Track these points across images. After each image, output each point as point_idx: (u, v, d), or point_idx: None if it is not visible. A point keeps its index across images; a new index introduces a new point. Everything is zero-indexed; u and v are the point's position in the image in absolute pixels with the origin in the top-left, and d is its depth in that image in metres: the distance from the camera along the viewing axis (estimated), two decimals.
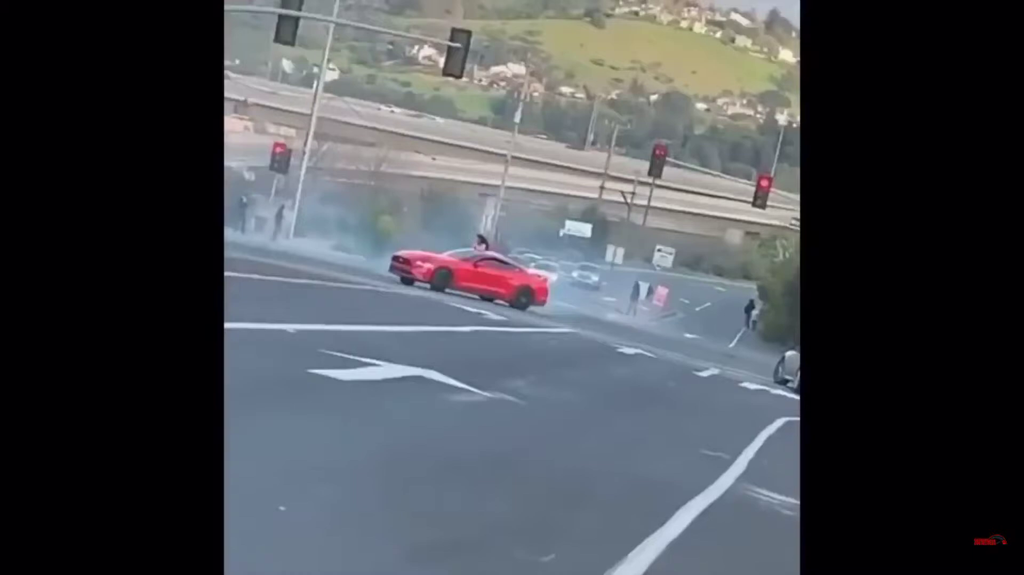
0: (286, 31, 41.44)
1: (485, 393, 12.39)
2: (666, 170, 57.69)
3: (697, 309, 77.60)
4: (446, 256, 41.54)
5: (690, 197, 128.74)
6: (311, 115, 62.41)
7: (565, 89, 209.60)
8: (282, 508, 5.92)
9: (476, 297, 38.38)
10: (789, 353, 31.89)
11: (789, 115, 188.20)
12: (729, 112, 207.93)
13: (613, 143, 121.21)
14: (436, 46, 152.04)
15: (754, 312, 71.96)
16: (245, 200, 68.55)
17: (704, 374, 27.55)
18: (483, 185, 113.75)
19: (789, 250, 78.90)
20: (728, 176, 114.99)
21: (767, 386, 28.40)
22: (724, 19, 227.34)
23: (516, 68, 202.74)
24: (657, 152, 55.31)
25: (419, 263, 39.93)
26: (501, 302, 38.93)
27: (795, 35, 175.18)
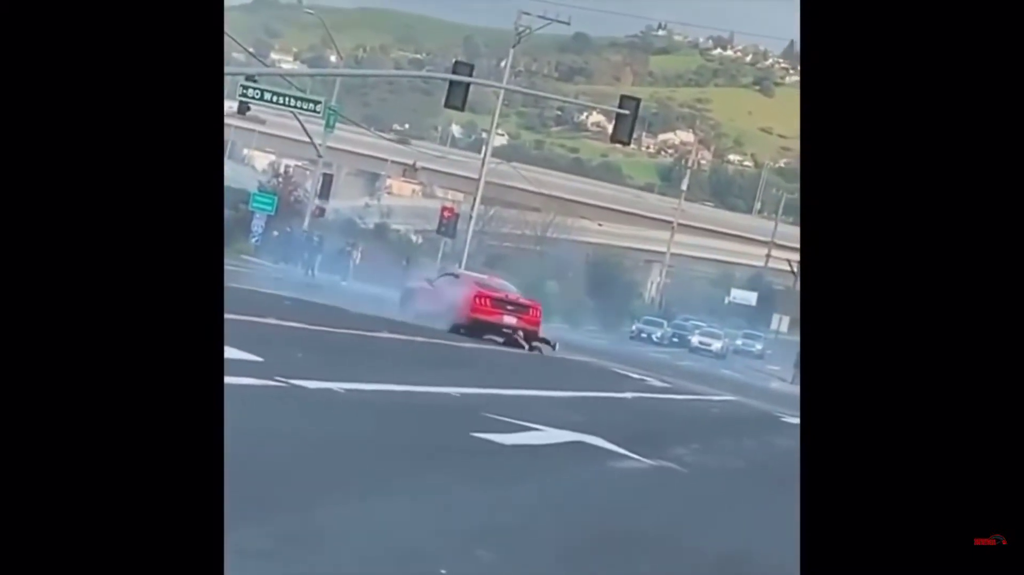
0: (456, 97, 42.01)
1: (648, 460, 12.31)
2: None
3: None
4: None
5: None
6: (479, 179, 62.97)
7: (733, 157, 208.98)
8: (443, 572, 5.94)
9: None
10: None
11: None
12: None
13: (780, 211, 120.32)
14: (605, 113, 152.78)
15: None
16: (405, 263, 69.41)
17: None
18: (649, 251, 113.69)
19: None
20: None
21: None
22: None
23: (684, 135, 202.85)
24: None
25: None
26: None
27: None
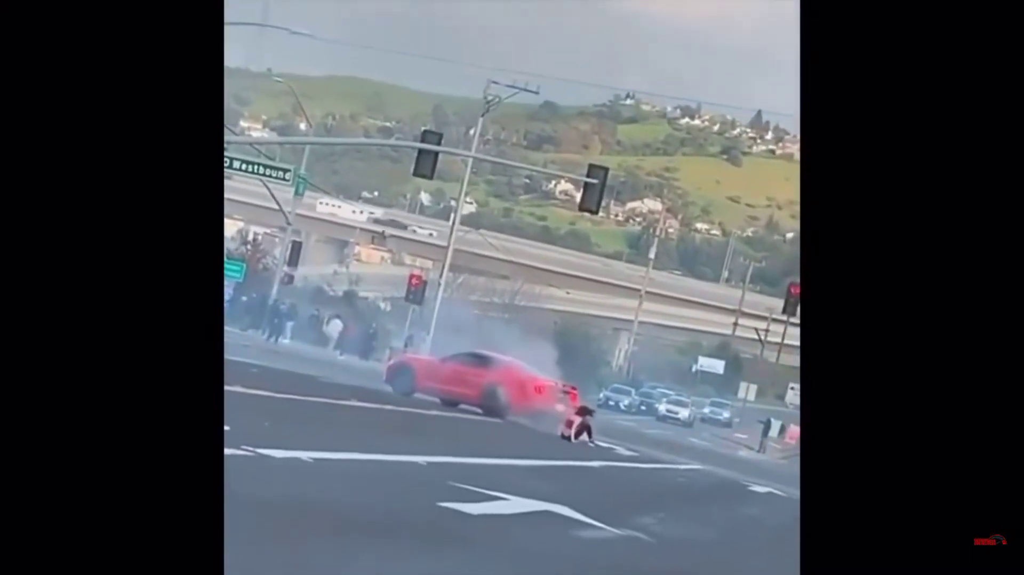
0: (425, 165, 42.06)
1: (614, 530, 12.31)
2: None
3: None
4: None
5: None
6: (447, 247, 63.03)
7: (700, 225, 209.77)
8: None
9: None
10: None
11: None
12: None
13: (747, 280, 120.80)
14: (573, 181, 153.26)
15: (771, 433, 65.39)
16: (372, 329, 69.24)
17: None
18: (616, 319, 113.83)
19: None
20: None
21: None
22: None
23: (652, 204, 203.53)
24: (792, 290, 55.07)
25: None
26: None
27: None
